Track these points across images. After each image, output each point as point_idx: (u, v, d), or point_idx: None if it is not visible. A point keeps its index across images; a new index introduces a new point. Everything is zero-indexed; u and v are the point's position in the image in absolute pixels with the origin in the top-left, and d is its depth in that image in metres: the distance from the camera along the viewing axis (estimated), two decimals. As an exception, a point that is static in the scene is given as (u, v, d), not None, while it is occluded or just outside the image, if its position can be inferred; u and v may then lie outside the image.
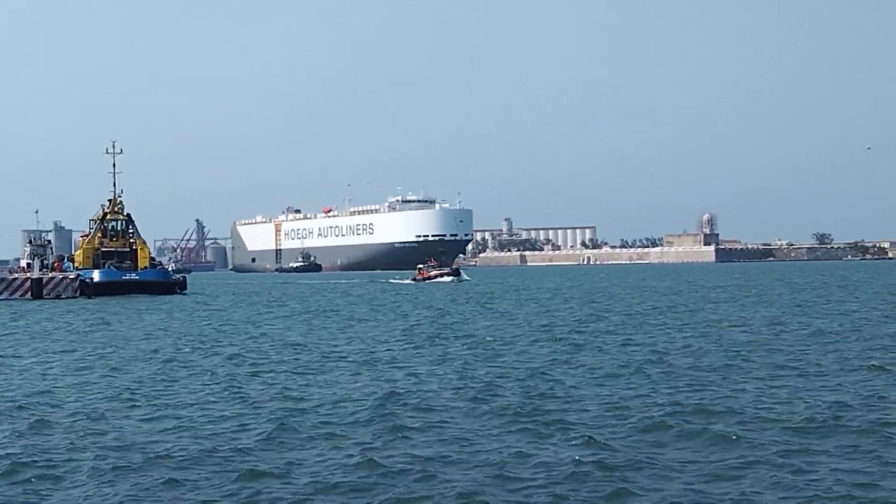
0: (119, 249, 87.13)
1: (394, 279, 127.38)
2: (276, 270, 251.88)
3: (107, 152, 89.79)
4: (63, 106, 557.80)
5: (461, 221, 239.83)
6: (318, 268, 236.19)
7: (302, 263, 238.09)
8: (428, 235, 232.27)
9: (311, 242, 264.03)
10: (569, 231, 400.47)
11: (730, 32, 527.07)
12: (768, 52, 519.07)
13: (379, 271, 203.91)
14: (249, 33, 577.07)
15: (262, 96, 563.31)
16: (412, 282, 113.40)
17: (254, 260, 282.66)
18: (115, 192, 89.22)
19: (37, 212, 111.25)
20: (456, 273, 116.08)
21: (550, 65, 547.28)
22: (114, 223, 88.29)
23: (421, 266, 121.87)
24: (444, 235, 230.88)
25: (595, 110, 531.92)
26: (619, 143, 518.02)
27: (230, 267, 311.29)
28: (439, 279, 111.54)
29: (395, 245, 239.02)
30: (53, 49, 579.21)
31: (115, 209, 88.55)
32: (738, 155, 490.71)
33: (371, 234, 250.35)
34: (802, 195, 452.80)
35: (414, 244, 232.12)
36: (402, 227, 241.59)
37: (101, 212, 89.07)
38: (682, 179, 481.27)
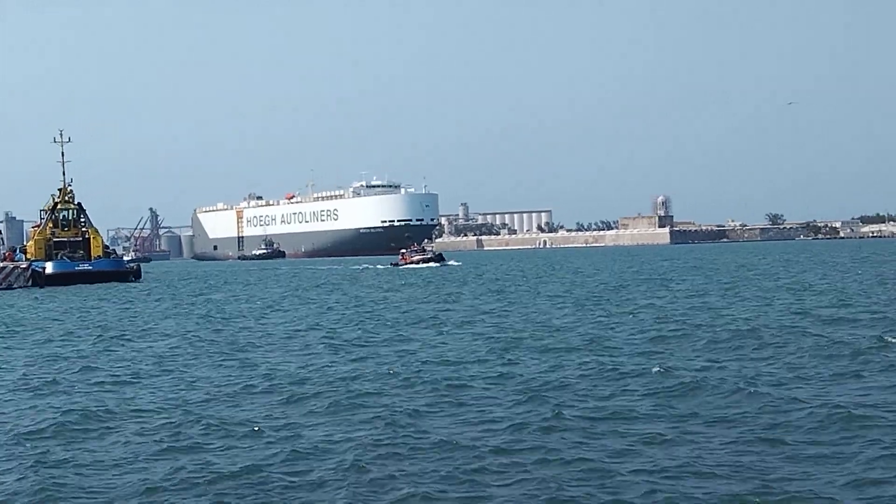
0: (71, 239, 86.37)
1: (379, 265, 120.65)
2: (239, 258, 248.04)
3: (55, 141, 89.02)
4: (11, 95, 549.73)
5: (427, 206, 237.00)
6: (281, 255, 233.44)
7: (265, 251, 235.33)
8: (394, 221, 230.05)
9: (273, 229, 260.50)
10: (525, 215, 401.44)
11: (683, 24, 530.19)
12: (710, 35, 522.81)
13: (346, 257, 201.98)
14: (205, 18, 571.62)
15: (217, 83, 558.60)
16: (393, 267, 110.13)
17: (215, 248, 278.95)
18: (64, 181, 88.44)
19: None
20: (440, 258, 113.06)
21: (508, 54, 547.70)
22: (65, 213, 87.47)
23: (403, 251, 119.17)
24: (410, 220, 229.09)
25: (549, 94, 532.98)
26: (574, 124, 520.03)
27: (189, 256, 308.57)
28: (423, 265, 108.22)
29: (361, 231, 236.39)
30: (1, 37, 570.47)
31: (66, 199, 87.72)
32: (690, 136, 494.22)
33: (336, 220, 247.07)
34: (755, 176, 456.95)
35: (380, 230, 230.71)
36: (367, 212, 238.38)
37: (51, 202, 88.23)
38: (635, 162, 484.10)
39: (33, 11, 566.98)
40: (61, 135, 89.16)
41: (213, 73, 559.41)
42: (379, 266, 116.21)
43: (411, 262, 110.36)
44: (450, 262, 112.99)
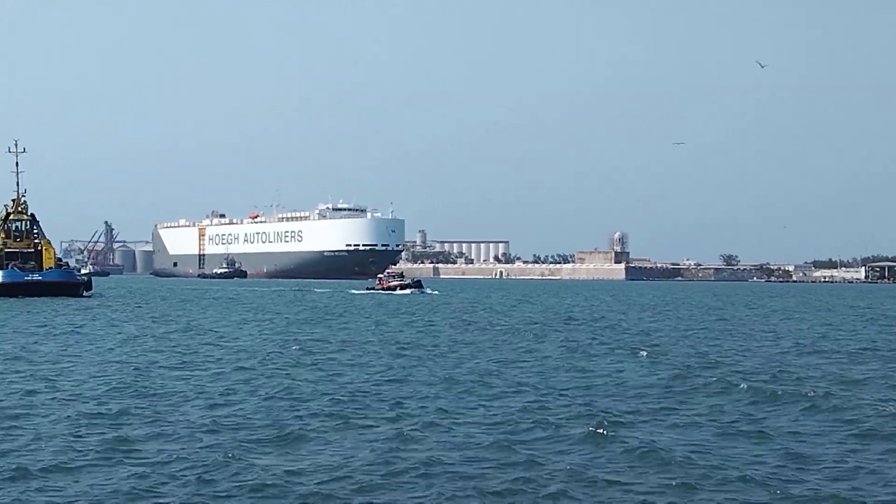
0: (23, 250, 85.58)
1: (353, 290, 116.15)
2: (199, 276, 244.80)
3: (9, 151, 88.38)
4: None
5: (393, 231, 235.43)
6: (243, 274, 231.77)
7: (226, 270, 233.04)
8: (359, 245, 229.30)
9: (236, 248, 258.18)
10: (482, 245, 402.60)
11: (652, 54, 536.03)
12: (673, 70, 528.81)
13: (307, 280, 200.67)
14: (161, 30, 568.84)
15: (181, 98, 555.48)
16: (369, 291, 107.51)
17: (175, 264, 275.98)
18: (18, 191, 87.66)
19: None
20: (418, 285, 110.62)
21: (468, 85, 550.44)
22: (17, 223, 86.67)
23: (381, 276, 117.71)
24: (376, 245, 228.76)
25: (511, 130, 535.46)
26: (534, 161, 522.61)
27: (144, 271, 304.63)
28: (400, 290, 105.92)
29: (325, 253, 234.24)
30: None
31: (19, 209, 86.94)
32: (648, 177, 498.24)
33: (300, 241, 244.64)
34: (710, 217, 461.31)
35: (344, 253, 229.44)
36: (332, 235, 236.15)
37: (4, 212, 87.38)
38: (593, 199, 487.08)
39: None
40: (16, 145, 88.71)
41: (178, 85, 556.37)
42: (353, 291, 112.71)
43: (388, 288, 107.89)
44: (427, 291, 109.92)
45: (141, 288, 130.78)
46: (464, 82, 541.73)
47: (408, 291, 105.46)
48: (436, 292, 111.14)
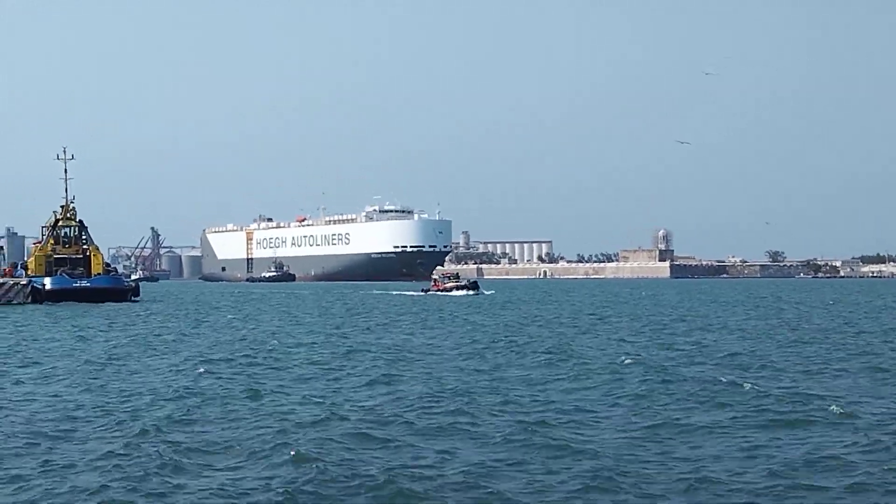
0: (72, 256, 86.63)
1: (409, 292, 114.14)
2: (248, 280, 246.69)
3: (58, 158, 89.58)
4: (13, 109, 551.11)
5: (440, 233, 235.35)
6: (291, 277, 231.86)
7: (275, 273, 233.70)
8: (406, 246, 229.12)
9: (283, 252, 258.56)
10: (525, 245, 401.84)
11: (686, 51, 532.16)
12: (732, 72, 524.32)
13: (358, 282, 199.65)
14: (213, 36, 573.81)
15: (230, 103, 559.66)
16: (425, 293, 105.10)
17: (224, 269, 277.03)
18: (66, 198, 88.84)
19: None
20: (474, 286, 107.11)
21: (517, 84, 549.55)
22: (66, 230, 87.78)
23: (436, 277, 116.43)
24: (423, 246, 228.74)
25: (552, 130, 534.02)
26: (577, 159, 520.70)
27: (191, 276, 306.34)
28: (456, 291, 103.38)
29: (372, 256, 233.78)
30: (2, 52, 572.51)
31: (68, 216, 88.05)
32: (694, 173, 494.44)
33: (347, 244, 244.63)
34: (756, 212, 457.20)
35: (392, 255, 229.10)
36: (379, 237, 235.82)
37: (53, 218, 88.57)
38: (638, 196, 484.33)
39: (34, 16, 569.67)
40: (65, 151, 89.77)
41: (222, 91, 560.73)
42: (410, 293, 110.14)
43: (444, 289, 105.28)
44: (484, 291, 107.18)
45: (222, 293, 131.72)
46: (486, 78, 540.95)
47: (463, 293, 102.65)
48: (492, 292, 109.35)
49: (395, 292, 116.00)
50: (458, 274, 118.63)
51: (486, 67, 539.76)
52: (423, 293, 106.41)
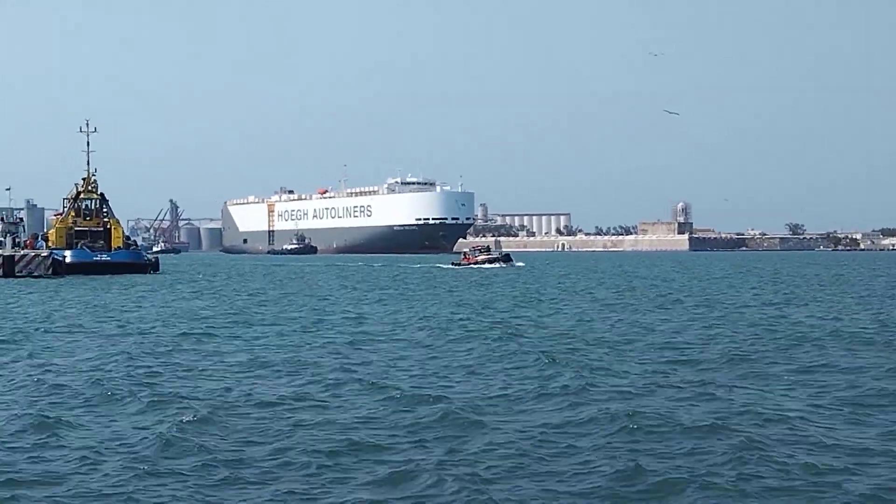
0: (92, 229, 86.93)
1: (440, 264, 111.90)
2: (269, 252, 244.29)
3: (80, 131, 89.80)
4: (36, 83, 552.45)
5: (463, 205, 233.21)
6: (313, 250, 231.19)
7: (296, 245, 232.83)
8: (429, 218, 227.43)
9: (305, 224, 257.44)
10: (543, 217, 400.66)
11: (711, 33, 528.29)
12: (735, 39, 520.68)
13: (379, 255, 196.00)
14: (242, 9, 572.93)
15: (247, 74, 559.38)
16: (455, 266, 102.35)
17: (245, 241, 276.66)
18: (88, 170, 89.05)
19: (9, 189, 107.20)
20: (507, 259, 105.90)
21: (531, 58, 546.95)
22: (87, 202, 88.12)
23: (466, 250, 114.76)
24: (446, 219, 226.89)
25: (572, 101, 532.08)
26: (596, 132, 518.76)
27: (210, 248, 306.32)
28: (489, 265, 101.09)
29: (395, 228, 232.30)
30: (27, 25, 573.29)
31: (89, 188, 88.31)
32: (710, 143, 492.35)
33: (369, 216, 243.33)
34: (775, 184, 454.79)
35: (414, 227, 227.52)
36: (401, 209, 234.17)
37: (74, 191, 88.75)
38: (656, 168, 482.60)
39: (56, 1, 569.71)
40: (87, 124, 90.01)
41: (243, 64, 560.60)
42: (441, 266, 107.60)
43: (475, 262, 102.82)
44: (515, 264, 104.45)
45: (256, 266, 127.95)
46: (528, 58, 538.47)
47: (496, 266, 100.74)
48: (522, 264, 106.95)
49: (417, 265, 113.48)
50: (489, 247, 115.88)
51: (510, 39, 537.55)
52: (453, 266, 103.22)
